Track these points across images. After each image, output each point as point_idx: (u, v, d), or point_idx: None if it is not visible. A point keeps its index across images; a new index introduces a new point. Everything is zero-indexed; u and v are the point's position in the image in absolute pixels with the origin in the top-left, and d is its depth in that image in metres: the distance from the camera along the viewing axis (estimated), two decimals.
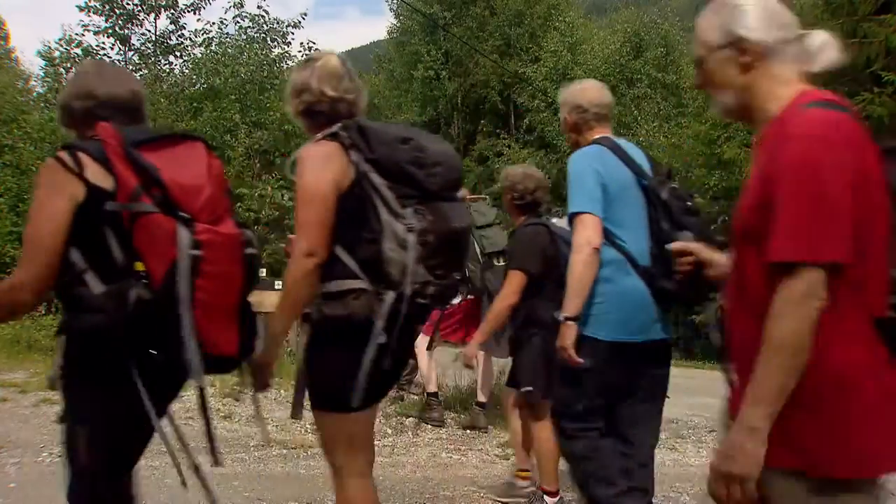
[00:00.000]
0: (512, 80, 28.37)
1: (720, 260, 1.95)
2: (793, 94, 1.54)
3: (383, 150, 2.07)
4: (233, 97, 16.61)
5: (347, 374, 2.06)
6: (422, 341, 5.82)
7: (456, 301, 4.31)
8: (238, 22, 17.47)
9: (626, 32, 26.99)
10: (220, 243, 1.76)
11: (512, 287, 3.32)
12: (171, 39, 18.06)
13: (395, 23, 33.24)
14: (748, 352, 1.45)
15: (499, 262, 4.82)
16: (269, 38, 17.57)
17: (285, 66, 17.00)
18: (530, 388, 3.55)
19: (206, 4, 17.80)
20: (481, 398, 5.79)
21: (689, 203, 2.64)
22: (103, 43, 17.22)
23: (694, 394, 6.34)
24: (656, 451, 2.91)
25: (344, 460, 2.18)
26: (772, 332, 1.38)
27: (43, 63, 17.63)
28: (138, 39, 17.75)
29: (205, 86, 17.32)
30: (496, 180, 24.79)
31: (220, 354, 1.81)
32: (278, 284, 2.42)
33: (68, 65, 17.01)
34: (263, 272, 9.48)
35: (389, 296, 2.03)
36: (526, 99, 27.74)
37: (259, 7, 17.39)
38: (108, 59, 17.13)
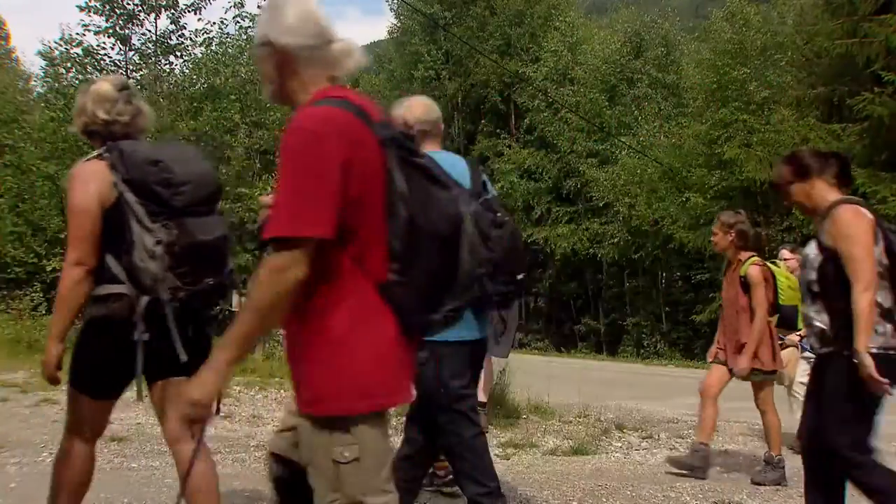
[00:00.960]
0: (512, 80, 28.37)
1: None
2: (314, 92, 1.73)
3: (135, 172, 2.40)
4: (233, 97, 16.61)
5: (105, 367, 2.48)
6: None
7: None
8: (238, 22, 17.48)
9: (626, 32, 26.97)
10: None
11: None
12: (171, 39, 18.00)
13: (395, 23, 33.30)
14: (296, 332, 1.69)
15: None
16: None
17: None
18: None
19: (206, 4, 17.77)
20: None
21: (497, 215, 2.63)
22: (103, 43, 17.16)
23: (694, 394, 6.33)
24: (656, 450, 2.91)
25: (78, 433, 2.54)
26: (252, 294, 1.60)
27: (43, 63, 17.65)
28: (138, 39, 17.70)
29: (205, 86, 17.33)
30: (497, 180, 24.84)
31: None
32: None
33: (68, 65, 17.02)
34: None
35: (144, 299, 2.37)
36: (526, 99, 27.73)
37: (259, 7, 17.37)
38: (108, 59, 17.15)
